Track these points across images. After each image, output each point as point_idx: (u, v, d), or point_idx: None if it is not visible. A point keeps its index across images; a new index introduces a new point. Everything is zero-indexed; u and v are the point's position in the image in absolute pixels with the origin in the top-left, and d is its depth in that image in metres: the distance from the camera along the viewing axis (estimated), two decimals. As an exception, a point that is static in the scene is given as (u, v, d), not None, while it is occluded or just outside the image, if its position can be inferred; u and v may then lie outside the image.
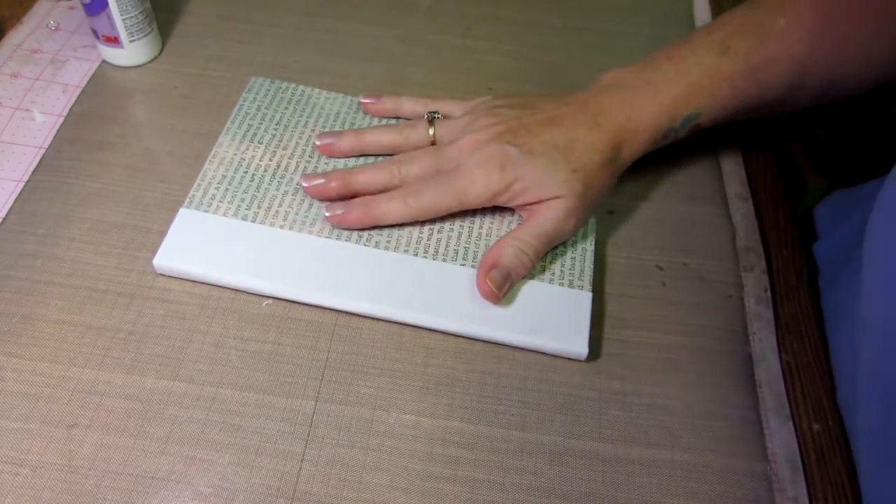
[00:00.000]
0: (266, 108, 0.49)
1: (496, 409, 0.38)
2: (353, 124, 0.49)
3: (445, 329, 0.40)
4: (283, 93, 0.50)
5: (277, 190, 0.45)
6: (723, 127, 0.52)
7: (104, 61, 0.52)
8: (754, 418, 0.39)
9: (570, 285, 0.42)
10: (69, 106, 0.49)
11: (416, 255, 0.43)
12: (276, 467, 0.36)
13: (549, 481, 0.36)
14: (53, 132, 0.48)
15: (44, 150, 0.47)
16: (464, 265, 0.42)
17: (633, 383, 0.40)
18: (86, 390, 0.37)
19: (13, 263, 0.42)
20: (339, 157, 0.47)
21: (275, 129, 0.48)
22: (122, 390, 0.37)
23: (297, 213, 0.44)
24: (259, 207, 0.44)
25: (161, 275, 0.42)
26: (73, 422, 0.36)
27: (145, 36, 0.51)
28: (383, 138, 0.47)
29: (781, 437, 0.38)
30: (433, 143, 0.46)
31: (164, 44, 0.54)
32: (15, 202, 0.44)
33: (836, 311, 0.43)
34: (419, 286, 0.41)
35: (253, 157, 0.46)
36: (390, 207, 0.43)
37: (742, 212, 0.47)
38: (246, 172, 0.45)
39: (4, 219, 0.43)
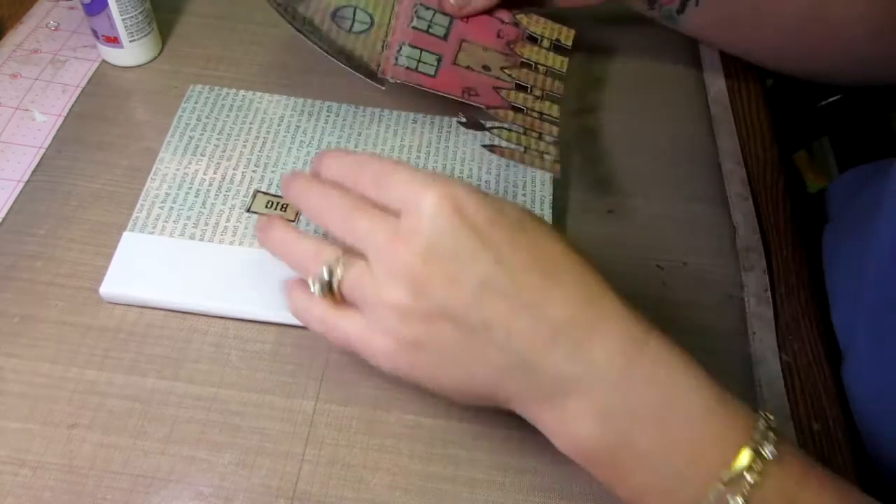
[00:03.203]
0: (207, 118, 0.48)
1: (496, 409, 0.38)
2: (298, 127, 0.48)
3: None
4: (223, 99, 0.49)
5: (224, 205, 0.43)
6: (722, 126, 0.52)
7: (104, 61, 0.52)
8: (754, 418, 0.39)
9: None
10: (69, 106, 0.49)
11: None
12: (276, 467, 0.36)
13: (549, 481, 0.36)
14: (53, 132, 0.48)
15: (44, 150, 0.47)
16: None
17: (633, 383, 0.40)
18: (86, 390, 0.37)
19: (14, 264, 0.42)
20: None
21: (217, 138, 0.47)
22: (122, 390, 0.37)
23: (245, 228, 0.42)
24: (206, 225, 0.42)
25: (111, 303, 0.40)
26: (74, 422, 0.36)
27: (145, 36, 0.51)
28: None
29: (781, 437, 0.38)
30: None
31: (164, 44, 0.54)
32: (15, 202, 0.44)
33: (839, 249, 0.44)
34: None
35: (196, 171, 0.45)
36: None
37: (742, 212, 0.47)
38: (190, 188, 0.44)
39: (4, 219, 0.43)
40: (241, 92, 0.50)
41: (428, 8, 0.47)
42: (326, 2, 0.46)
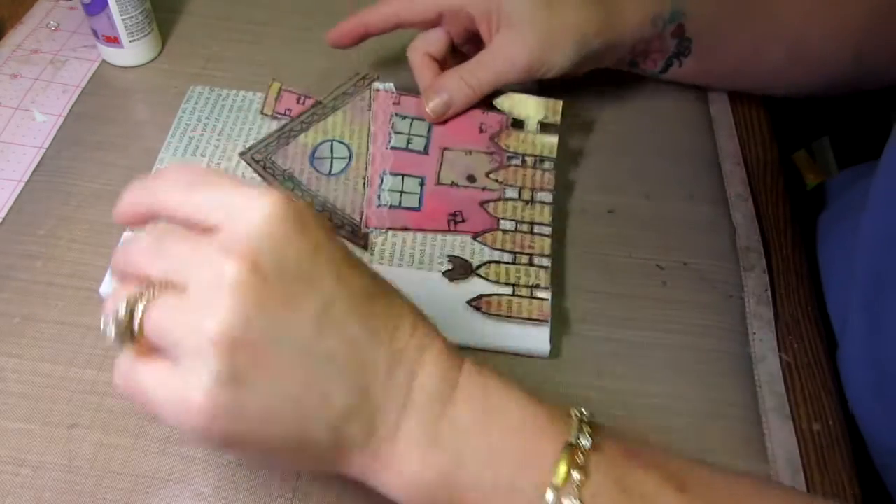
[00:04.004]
0: (207, 118, 0.48)
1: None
2: None
3: None
4: (223, 100, 0.49)
5: None
6: (722, 126, 0.52)
7: (104, 61, 0.52)
8: (754, 418, 0.39)
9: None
10: (69, 106, 0.49)
11: (370, 263, 0.42)
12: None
13: (549, 481, 0.36)
14: (53, 132, 0.48)
15: (44, 150, 0.47)
16: (420, 269, 0.42)
17: (633, 383, 0.40)
18: (86, 391, 0.37)
19: (14, 264, 0.42)
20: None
21: (217, 138, 0.47)
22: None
23: None
24: None
25: None
26: (74, 422, 0.36)
27: (145, 36, 0.51)
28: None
29: (781, 437, 0.38)
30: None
31: (164, 44, 0.54)
32: (15, 202, 0.44)
33: (832, 235, 0.46)
34: None
35: None
36: None
37: (742, 212, 0.47)
38: None
39: (4, 219, 0.43)
40: (241, 92, 0.50)
41: (405, 117, 0.47)
42: (304, 142, 0.46)
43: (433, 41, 0.47)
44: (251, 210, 0.24)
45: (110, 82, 0.51)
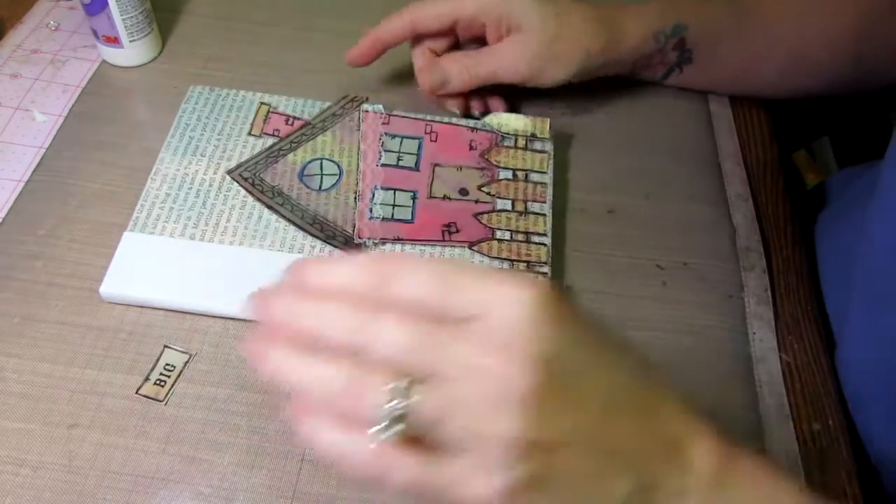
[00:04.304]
0: (207, 118, 0.48)
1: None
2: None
3: None
4: (223, 100, 0.49)
5: (224, 205, 0.43)
6: (722, 126, 0.52)
7: (104, 61, 0.52)
8: (754, 418, 0.39)
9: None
10: (69, 106, 0.49)
11: None
12: (276, 467, 0.36)
13: (549, 481, 0.36)
14: (53, 132, 0.48)
15: (44, 150, 0.47)
16: None
17: (633, 383, 0.40)
18: (86, 390, 0.37)
19: (14, 264, 0.42)
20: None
21: (217, 138, 0.47)
22: (122, 390, 0.37)
23: (245, 228, 0.43)
24: (206, 225, 0.43)
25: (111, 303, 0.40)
26: (74, 422, 0.36)
27: (145, 36, 0.51)
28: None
29: (781, 437, 0.38)
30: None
31: (164, 44, 0.54)
32: (15, 202, 0.44)
33: (832, 234, 0.46)
34: None
35: (196, 171, 0.45)
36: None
37: (742, 212, 0.47)
38: (190, 189, 0.44)
39: (4, 219, 0.43)
40: (241, 92, 0.50)
41: (394, 136, 0.47)
42: (292, 160, 0.46)
43: (439, 41, 0.48)
44: (517, 304, 0.23)
45: (110, 82, 0.51)
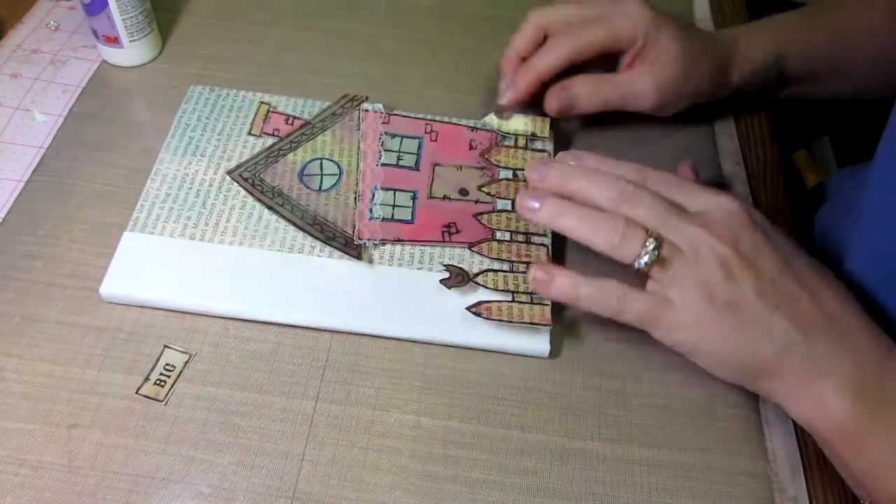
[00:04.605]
0: (207, 118, 0.48)
1: (496, 409, 0.38)
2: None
3: (406, 337, 0.40)
4: (223, 100, 0.49)
5: (224, 205, 0.43)
6: (722, 126, 0.52)
7: (104, 61, 0.52)
8: (754, 418, 0.39)
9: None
10: (69, 106, 0.49)
11: (370, 261, 0.42)
12: (276, 467, 0.36)
13: (549, 481, 0.36)
14: (53, 132, 0.48)
15: (44, 150, 0.47)
16: (420, 269, 0.42)
17: (633, 383, 0.40)
18: (86, 390, 0.37)
19: (14, 264, 0.42)
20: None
21: (217, 138, 0.47)
22: (122, 390, 0.37)
23: (246, 228, 0.42)
24: (207, 225, 0.42)
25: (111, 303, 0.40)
26: (74, 422, 0.36)
27: (145, 36, 0.51)
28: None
29: (781, 437, 0.38)
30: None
31: (164, 44, 0.54)
32: (15, 202, 0.44)
33: (828, 231, 0.48)
34: (377, 295, 0.40)
35: (196, 171, 0.45)
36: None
37: (742, 212, 0.47)
38: (190, 189, 0.44)
39: (4, 219, 0.43)
40: (241, 92, 0.49)
41: (394, 135, 0.47)
42: (292, 160, 0.46)
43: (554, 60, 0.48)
44: (727, 208, 0.36)
45: (110, 82, 0.51)
